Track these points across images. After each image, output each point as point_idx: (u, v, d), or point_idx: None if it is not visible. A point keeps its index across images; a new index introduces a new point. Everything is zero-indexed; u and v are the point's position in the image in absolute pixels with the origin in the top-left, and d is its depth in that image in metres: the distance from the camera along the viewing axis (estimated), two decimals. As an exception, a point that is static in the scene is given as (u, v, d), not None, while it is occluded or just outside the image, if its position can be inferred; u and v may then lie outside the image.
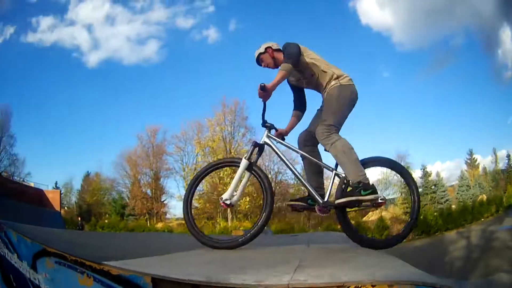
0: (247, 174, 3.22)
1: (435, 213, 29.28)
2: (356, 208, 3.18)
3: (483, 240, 19.44)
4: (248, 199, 30.67)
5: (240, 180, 3.22)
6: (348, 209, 3.13)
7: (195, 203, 30.31)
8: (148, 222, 34.97)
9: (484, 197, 31.73)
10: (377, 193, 2.96)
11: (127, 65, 49.70)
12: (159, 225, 33.98)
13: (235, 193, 3.21)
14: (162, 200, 38.39)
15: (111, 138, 55.54)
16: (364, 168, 3.10)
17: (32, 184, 30.46)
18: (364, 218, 32.59)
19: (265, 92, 3.09)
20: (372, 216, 32.82)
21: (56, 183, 41.86)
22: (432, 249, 19.38)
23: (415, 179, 3.25)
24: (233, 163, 3.36)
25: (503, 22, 36.79)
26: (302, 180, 3.23)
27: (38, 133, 53.47)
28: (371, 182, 3.01)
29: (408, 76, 52.76)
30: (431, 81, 51.17)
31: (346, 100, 3.19)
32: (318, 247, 3.08)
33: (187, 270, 2.02)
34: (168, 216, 39.03)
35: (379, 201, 2.97)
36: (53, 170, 59.14)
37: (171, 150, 37.86)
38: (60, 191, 24.16)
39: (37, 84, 49.14)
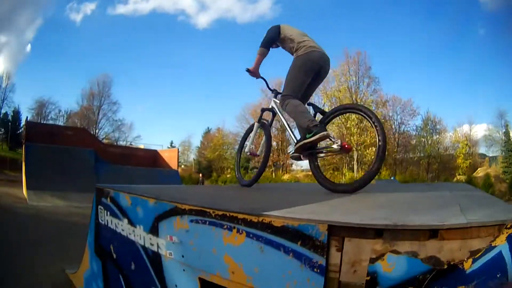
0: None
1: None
2: (323, 154, 3.49)
3: None
4: (374, 149, 32.40)
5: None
6: (319, 156, 3.47)
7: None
8: (273, 174, 36.34)
9: None
10: (320, 132, 3.07)
11: (242, 23, 53.92)
12: (286, 176, 35.12)
13: (253, 146, 4.27)
14: (288, 151, 39.33)
15: (232, 94, 60.96)
16: (331, 119, 3.43)
17: (142, 146, 31.76)
18: (474, 174, 33.06)
19: (251, 73, 3.91)
20: (480, 173, 33.34)
21: (171, 143, 46.10)
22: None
23: (382, 122, 3.17)
24: (253, 127, 4.21)
25: None
26: (292, 135, 3.72)
27: (150, 97, 61.64)
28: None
29: (498, 34, 50.49)
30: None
31: (297, 70, 3.56)
32: (459, 193, 2.90)
33: (363, 215, 1.77)
34: (294, 167, 40.58)
35: (334, 143, 3.11)
36: (169, 131, 68.09)
37: (298, 102, 39.71)
38: (178, 149, 24.79)
39: (147, 49, 56.69)
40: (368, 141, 34.01)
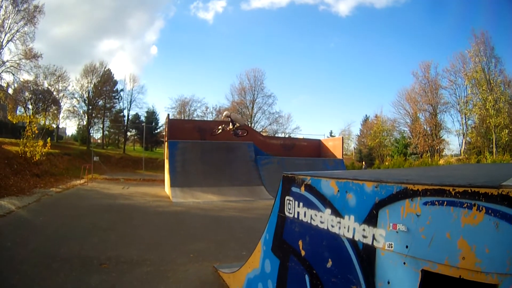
0: None
1: None
2: None
3: None
4: (506, 131, 35.16)
5: None
6: None
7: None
8: (430, 159, 37.86)
9: None
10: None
11: (380, 8, 61.54)
12: (441, 161, 36.10)
13: None
14: (440, 136, 41.83)
15: (385, 80, 67.39)
16: None
17: (301, 137, 35.66)
18: None
19: None
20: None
21: (331, 132, 51.92)
22: None
23: None
24: None
25: None
26: None
27: (304, 90, 71.25)
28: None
29: None
30: None
31: None
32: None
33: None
34: (445, 152, 42.34)
35: None
36: (327, 121, 79.74)
37: (445, 84, 42.72)
38: (342, 137, 26.99)
39: (292, 42, 67.96)
40: (503, 122, 35.22)
